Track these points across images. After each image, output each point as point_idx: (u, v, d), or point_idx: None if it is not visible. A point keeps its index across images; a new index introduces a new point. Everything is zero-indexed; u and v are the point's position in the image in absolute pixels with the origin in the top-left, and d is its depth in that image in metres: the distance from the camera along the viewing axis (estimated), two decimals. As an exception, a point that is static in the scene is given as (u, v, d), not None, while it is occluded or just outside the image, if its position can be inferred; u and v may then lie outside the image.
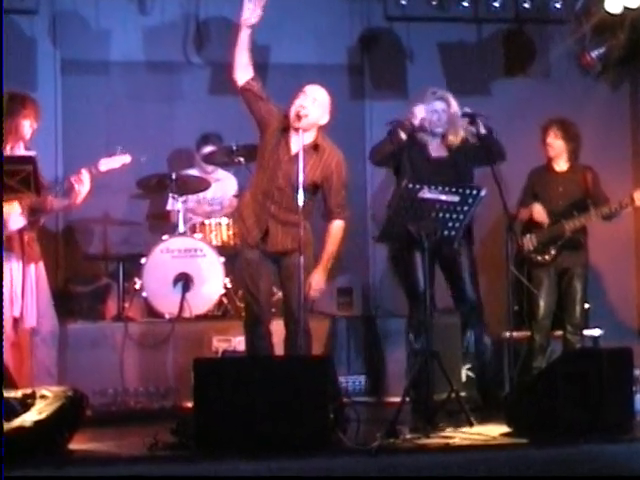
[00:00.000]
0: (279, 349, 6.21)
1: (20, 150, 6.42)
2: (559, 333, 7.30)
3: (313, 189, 6.14)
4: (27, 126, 6.42)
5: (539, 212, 7.19)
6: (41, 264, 6.50)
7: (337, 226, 6.19)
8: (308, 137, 6.08)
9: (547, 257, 7.16)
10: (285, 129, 6.13)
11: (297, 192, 5.85)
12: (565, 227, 7.13)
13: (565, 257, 7.19)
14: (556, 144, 7.25)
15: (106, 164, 6.61)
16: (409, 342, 6.41)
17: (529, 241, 7.20)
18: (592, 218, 7.17)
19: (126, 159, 6.71)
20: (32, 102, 6.49)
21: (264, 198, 6.14)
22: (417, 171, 6.32)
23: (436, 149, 6.47)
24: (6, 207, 6.22)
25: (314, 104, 6.07)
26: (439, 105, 6.40)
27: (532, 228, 7.24)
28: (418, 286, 6.17)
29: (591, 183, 7.25)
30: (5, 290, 6.22)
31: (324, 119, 6.14)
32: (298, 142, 5.95)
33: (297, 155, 5.90)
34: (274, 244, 6.13)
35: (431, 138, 6.45)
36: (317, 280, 6.11)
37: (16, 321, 6.35)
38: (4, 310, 6.20)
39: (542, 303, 7.15)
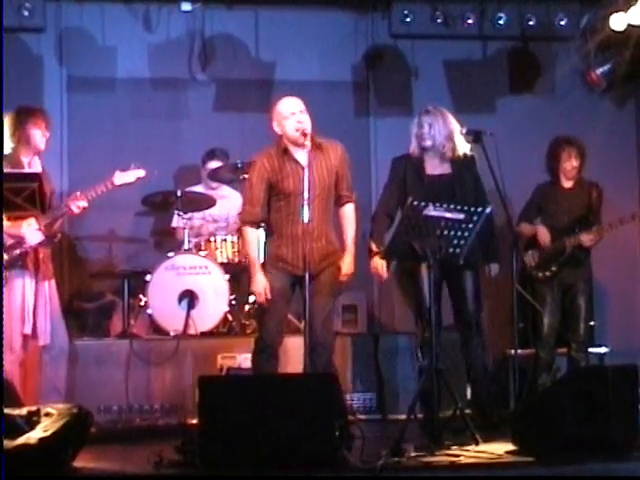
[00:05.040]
0: (293, 367, 6.16)
1: (37, 164, 6.44)
2: (564, 350, 7.28)
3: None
4: (39, 136, 6.44)
5: (544, 234, 7.16)
6: (53, 282, 6.52)
7: (350, 209, 6.23)
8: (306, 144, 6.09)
9: (548, 273, 7.14)
10: (285, 151, 6.06)
11: (329, 198, 6.03)
12: (566, 243, 7.13)
13: (567, 273, 7.17)
14: (574, 164, 7.22)
15: (121, 178, 6.65)
16: (417, 359, 6.38)
17: (531, 257, 7.19)
18: (585, 237, 7.10)
19: (140, 173, 6.76)
20: (40, 111, 6.52)
21: (294, 226, 6.01)
22: (411, 189, 6.27)
23: (434, 166, 6.44)
24: (23, 223, 6.26)
25: (306, 114, 6.05)
26: (426, 119, 6.38)
27: (534, 244, 7.23)
28: (424, 303, 6.15)
29: (594, 201, 7.24)
30: (17, 307, 6.26)
31: None
32: (303, 154, 5.94)
33: (310, 163, 5.88)
34: (315, 266, 5.97)
35: (426, 154, 6.42)
36: (347, 264, 6.08)
37: (25, 339, 6.36)
38: (14, 328, 6.23)
39: (546, 320, 7.12)
